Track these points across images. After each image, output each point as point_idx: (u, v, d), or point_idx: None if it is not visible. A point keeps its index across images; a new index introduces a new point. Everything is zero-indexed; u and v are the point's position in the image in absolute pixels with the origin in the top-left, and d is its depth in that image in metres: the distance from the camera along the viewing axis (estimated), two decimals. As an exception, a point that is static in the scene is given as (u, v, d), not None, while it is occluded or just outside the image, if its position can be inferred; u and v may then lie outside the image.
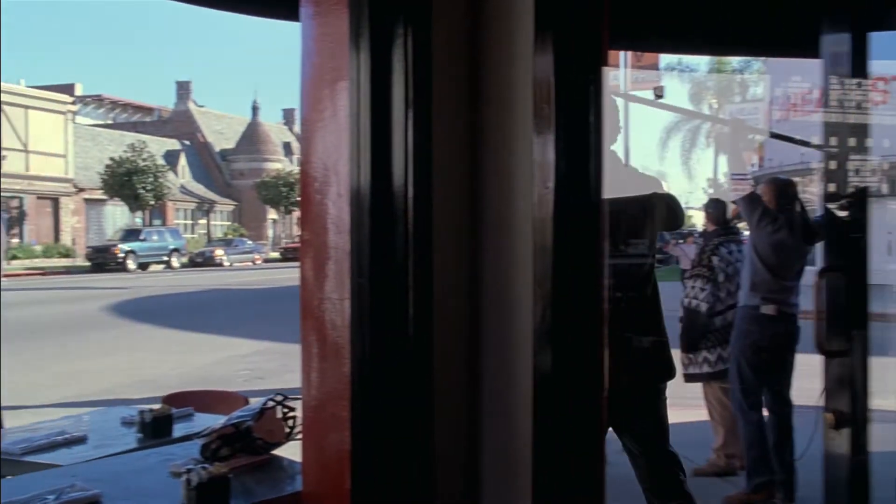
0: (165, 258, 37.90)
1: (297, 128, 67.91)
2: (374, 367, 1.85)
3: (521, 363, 1.71)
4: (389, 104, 1.77)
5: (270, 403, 2.58)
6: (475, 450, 1.83)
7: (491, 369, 1.82)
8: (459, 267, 1.84)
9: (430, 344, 1.77)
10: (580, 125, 1.62)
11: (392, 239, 1.79)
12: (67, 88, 55.68)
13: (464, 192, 1.84)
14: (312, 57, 2.00)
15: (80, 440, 3.12)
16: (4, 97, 38.31)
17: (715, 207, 5.49)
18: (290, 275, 30.29)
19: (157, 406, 3.32)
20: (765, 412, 4.74)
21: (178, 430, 3.23)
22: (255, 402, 2.74)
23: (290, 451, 2.78)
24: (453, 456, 1.83)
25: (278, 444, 2.63)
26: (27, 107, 39.66)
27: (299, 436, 2.61)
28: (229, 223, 55.10)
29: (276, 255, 48.51)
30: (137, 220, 43.24)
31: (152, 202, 41.16)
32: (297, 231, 58.08)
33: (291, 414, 2.62)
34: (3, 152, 35.72)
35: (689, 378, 5.27)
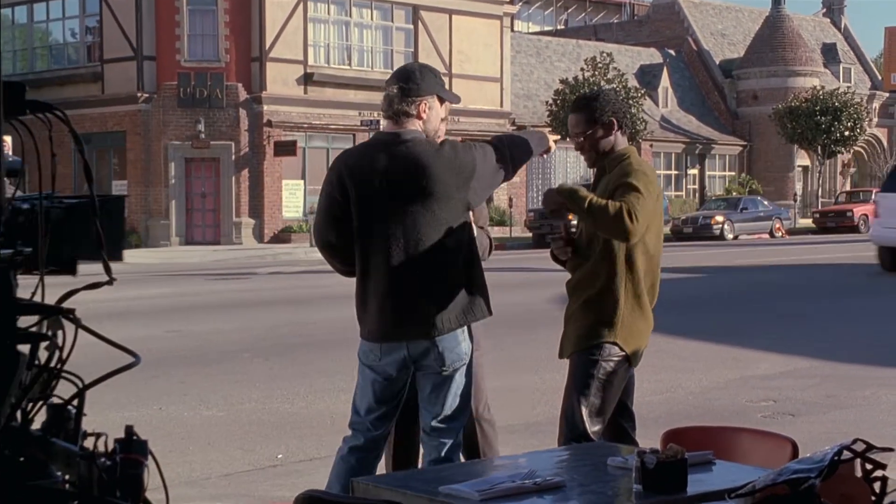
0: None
1: (847, 20, 66.04)
2: None
3: None
4: None
5: (846, 454, 2.55)
6: None
7: None
8: None
9: None
10: None
11: None
12: (504, -18, 60.06)
13: None
14: None
15: (558, 487, 3.38)
16: (428, 2, 42.33)
17: None
18: (830, 255, 29.44)
19: (658, 447, 3.46)
20: None
21: (693, 482, 3.34)
22: (816, 452, 2.74)
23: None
24: None
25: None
26: (452, 11, 43.38)
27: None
28: (734, 174, 55.56)
29: (807, 222, 47.92)
30: (599, 170, 45.36)
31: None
32: (842, 185, 56.73)
33: (878, 473, 2.58)
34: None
35: None
